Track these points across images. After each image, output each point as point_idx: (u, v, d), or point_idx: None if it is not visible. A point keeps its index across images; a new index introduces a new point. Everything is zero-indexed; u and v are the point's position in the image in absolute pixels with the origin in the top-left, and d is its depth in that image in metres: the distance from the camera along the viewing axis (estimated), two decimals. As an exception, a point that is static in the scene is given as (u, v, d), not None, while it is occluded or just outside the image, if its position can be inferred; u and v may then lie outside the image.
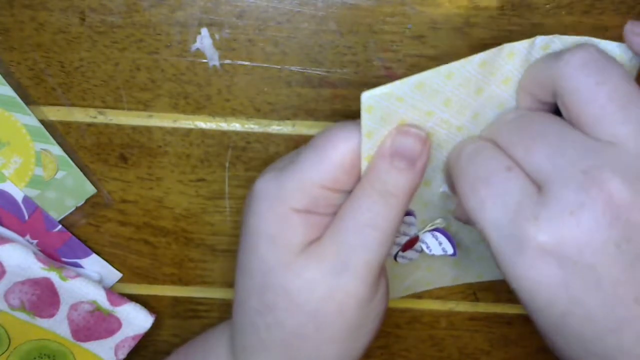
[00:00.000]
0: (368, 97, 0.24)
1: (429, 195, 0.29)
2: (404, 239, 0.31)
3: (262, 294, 0.26)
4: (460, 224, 0.31)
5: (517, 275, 0.23)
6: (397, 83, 0.25)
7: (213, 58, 0.31)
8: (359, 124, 0.25)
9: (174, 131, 0.33)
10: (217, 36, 0.31)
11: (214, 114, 0.32)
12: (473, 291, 0.38)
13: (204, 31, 0.30)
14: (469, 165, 0.25)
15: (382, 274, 0.27)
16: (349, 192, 0.26)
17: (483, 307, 0.38)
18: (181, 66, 0.31)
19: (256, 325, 0.27)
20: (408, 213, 0.30)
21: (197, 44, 0.31)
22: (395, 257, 0.31)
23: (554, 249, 0.22)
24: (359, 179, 0.26)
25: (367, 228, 0.25)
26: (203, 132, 0.33)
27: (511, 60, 0.26)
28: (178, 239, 0.35)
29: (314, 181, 0.25)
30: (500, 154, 0.24)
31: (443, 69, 0.25)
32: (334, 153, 0.25)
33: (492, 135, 0.26)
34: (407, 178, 0.25)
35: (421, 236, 0.31)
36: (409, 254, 0.32)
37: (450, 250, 0.31)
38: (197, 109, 0.32)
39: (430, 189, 0.29)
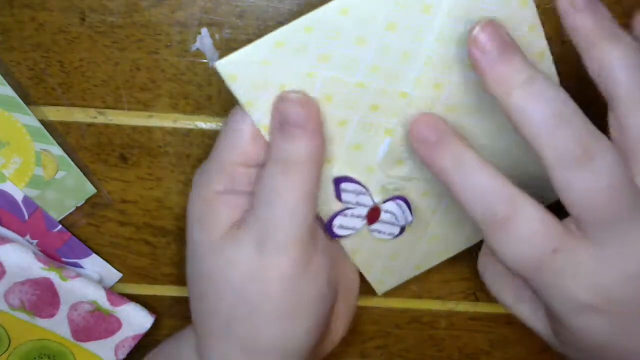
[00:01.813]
0: (224, 65, 0.23)
1: (367, 159, 0.28)
2: (362, 210, 0.29)
3: (196, 282, 0.27)
4: (428, 183, 0.29)
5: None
6: (251, 46, 0.23)
7: (213, 58, 0.31)
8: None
9: (174, 131, 0.33)
10: (217, 36, 0.31)
11: (214, 114, 0.32)
12: (473, 291, 0.38)
13: (204, 31, 0.30)
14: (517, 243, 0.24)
15: (313, 249, 0.26)
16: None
17: (483, 307, 0.38)
18: (181, 66, 0.31)
19: (199, 314, 0.27)
20: (349, 180, 0.28)
21: (197, 44, 0.31)
22: (370, 233, 0.30)
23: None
24: (259, 155, 0.26)
25: (276, 201, 0.25)
26: (203, 132, 0.33)
27: (383, 3, 0.23)
28: (178, 239, 0.35)
29: (229, 160, 0.26)
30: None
31: (299, 22, 0.23)
32: (239, 131, 0.26)
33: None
34: (303, 144, 0.25)
35: (383, 206, 0.29)
36: (384, 227, 0.30)
37: (409, 218, 0.30)
38: (197, 109, 0.32)
39: (365, 153, 0.27)
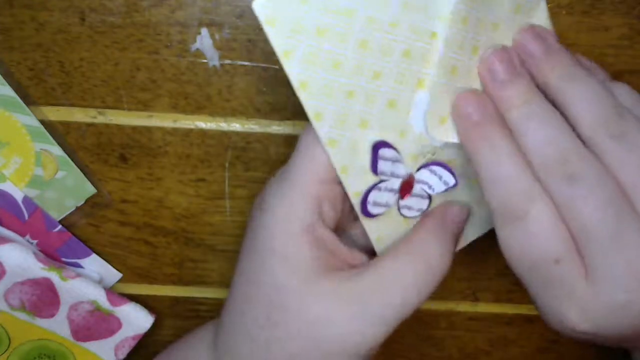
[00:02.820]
0: (263, 6, 0.21)
1: (400, 119, 0.26)
2: (396, 182, 0.27)
3: (269, 309, 0.26)
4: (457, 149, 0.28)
5: None
6: None
7: (213, 58, 0.31)
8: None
9: (174, 131, 0.33)
10: (217, 36, 0.31)
11: (214, 114, 0.32)
12: (473, 291, 0.38)
13: (204, 31, 0.30)
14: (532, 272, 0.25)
15: None
16: (339, 204, 0.27)
17: (483, 307, 0.38)
18: (181, 66, 0.31)
19: (254, 338, 0.27)
20: (386, 145, 0.26)
21: (197, 44, 0.31)
22: (400, 212, 0.28)
23: None
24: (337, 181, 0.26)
25: (410, 292, 0.26)
26: (203, 132, 0.33)
27: None
28: (178, 239, 0.35)
29: (311, 177, 0.25)
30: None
31: None
32: (318, 142, 0.25)
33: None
34: (454, 246, 0.28)
35: (416, 176, 0.27)
36: (414, 202, 0.28)
37: (451, 181, 0.28)
38: (197, 109, 0.32)
39: (398, 112, 0.26)
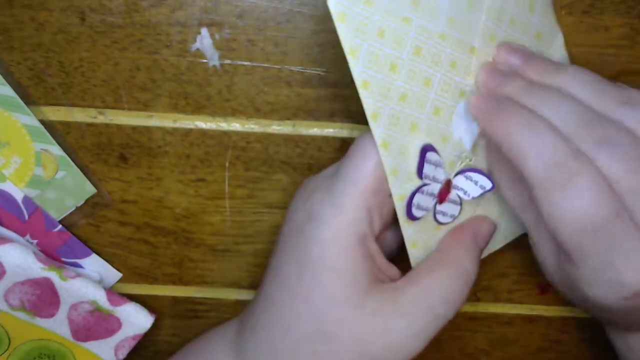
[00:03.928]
0: (336, 2, 0.22)
1: (443, 126, 0.27)
2: (436, 187, 0.28)
3: (321, 323, 0.26)
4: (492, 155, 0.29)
5: None
6: None
7: (213, 58, 0.31)
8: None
9: (174, 131, 0.33)
10: (217, 36, 0.31)
11: (214, 114, 0.32)
12: (473, 291, 0.38)
13: (204, 31, 0.30)
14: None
15: None
16: (387, 215, 0.28)
17: (483, 307, 0.38)
18: (181, 66, 0.31)
19: (299, 350, 0.27)
20: (431, 149, 0.27)
21: (197, 44, 0.31)
22: (435, 217, 0.29)
23: None
24: (386, 190, 0.27)
25: (445, 308, 0.27)
26: (203, 132, 0.33)
27: None
28: (178, 239, 0.35)
29: (364, 188, 0.26)
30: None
31: None
32: (371, 154, 0.26)
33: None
34: (480, 259, 0.29)
35: (453, 181, 0.28)
36: (449, 208, 0.29)
37: (488, 185, 0.29)
38: (197, 109, 0.32)
39: (442, 119, 0.27)
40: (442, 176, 0.28)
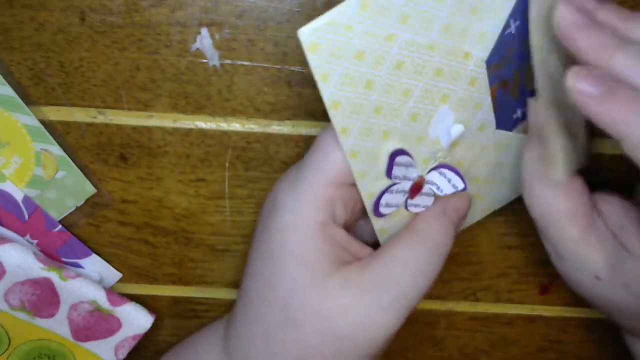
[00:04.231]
0: (309, 34, 0.22)
1: (420, 129, 0.27)
2: (407, 184, 0.28)
3: (287, 309, 0.27)
4: (465, 152, 0.29)
5: None
6: (337, 9, 0.22)
7: (213, 58, 0.31)
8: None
9: (174, 131, 0.33)
10: (217, 36, 0.31)
11: (214, 114, 0.32)
12: (473, 291, 0.38)
13: (204, 31, 0.30)
14: None
15: None
16: (354, 204, 0.28)
17: (483, 307, 0.38)
18: (181, 66, 0.31)
19: (271, 338, 0.27)
20: (402, 153, 0.27)
21: (197, 44, 0.31)
22: (406, 207, 0.29)
23: None
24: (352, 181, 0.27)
25: (420, 277, 0.27)
26: (203, 132, 0.33)
27: None
28: (178, 239, 0.35)
29: (326, 180, 0.26)
30: None
31: None
32: (335, 148, 0.26)
33: None
34: (456, 230, 0.29)
35: (427, 177, 0.29)
36: (421, 200, 0.29)
37: (460, 185, 0.29)
38: (197, 109, 0.32)
39: (419, 124, 0.27)
40: (414, 174, 0.28)
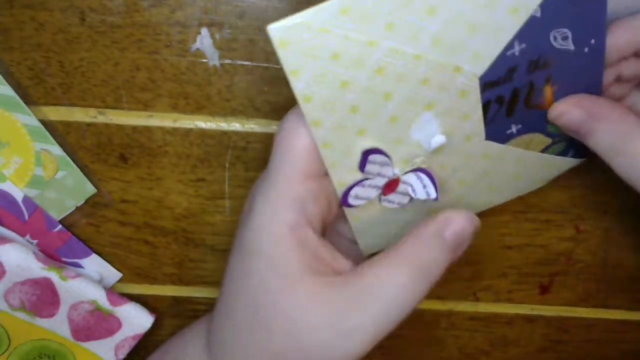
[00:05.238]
0: (277, 30, 0.22)
1: (399, 131, 0.26)
2: (381, 181, 0.28)
3: (255, 309, 0.26)
4: (449, 158, 0.29)
5: None
6: (314, 10, 0.22)
7: (213, 58, 0.31)
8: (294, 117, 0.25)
9: (174, 131, 0.33)
10: (217, 36, 0.31)
11: (214, 114, 0.32)
12: (473, 291, 0.38)
13: (204, 31, 0.30)
14: None
15: None
16: (324, 201, 0.26)
17: (483, 307, 0.38)
18: (181, 66, 0.31)
19: (241, 337, 0.27)
20: (378, 152, 0.26)
21: (197, 44, 0.31)
22: (380, 202, 0.29)
23: None
24: (320, 167, 0.26)
25: (393, 307, 0.25)
26: (203, 132, 0.33)
27: None
28: (178, 239, 0.35)
29: (292, 178, 0.25)
30: None
31: None
32: (297, 142, 0.25)
33: None
34: (450, 257, 0.26)
35: (403, 177, 0.28)
36: (395, 197, 0.29)
37: (433, 195, 0.28)
38: (197, 109, 0.32)
39: (399, 125, 0.26)
40: (389, 172, 0.28)
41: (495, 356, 0.40)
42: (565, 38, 0.26)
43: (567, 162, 0.31)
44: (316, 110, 0.24)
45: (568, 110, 0.27)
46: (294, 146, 0.25)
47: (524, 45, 0.26)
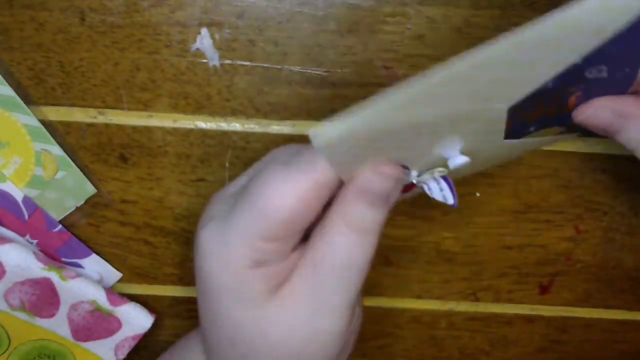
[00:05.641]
0: (321, 139, 0.21)
1: (421, 149, 0.26)
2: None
3: (234, 346, 0.26)
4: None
5: None
6: (359, 116, 0.22)
7: (213, 58, 0.31)
8: (291, 160, 0.23)
9: (174, 131, 0.33)
10: (217, 36, 0.31)
11: (214, 114, 0.32)
12: (473, 291, 0.38)
13: (204, 31, 0.30)
14: None
15: (357, 303, 0.27)
16: (299, 235, 0.25)
17: (483, 307, 0.38)
18: (181, 66, 0.31)
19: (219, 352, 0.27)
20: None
21: (197, 44, 0.31)
22: None
23: None
24: (305, 223, 0.24)
25: (347, 271, 0.24)
26: (203, 132, 0.33)
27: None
28: (178, 239, 0.35)
29: (258, 237, 0.24)
30: None
31: (435, 76, 0.21)
32: (270, 206, 0.23)
33: None
34: (383, 212, 0.25)
35: (420, 178, 0.28)
36: (410, 193, 0.29)
37: (450, 201, 0.28)
38: (197, 109, 0.32)
39: (420, 143, 0.26)
40: (407, 181, 0.27)
41: (495, 356, 0.40)
42: (600, 71, 0.26)
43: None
44: (333, 153, 0.23)
45: (596, 113, 0.28)
46: (270, 200, 0.23)
47: (557, 81, 0.26)
